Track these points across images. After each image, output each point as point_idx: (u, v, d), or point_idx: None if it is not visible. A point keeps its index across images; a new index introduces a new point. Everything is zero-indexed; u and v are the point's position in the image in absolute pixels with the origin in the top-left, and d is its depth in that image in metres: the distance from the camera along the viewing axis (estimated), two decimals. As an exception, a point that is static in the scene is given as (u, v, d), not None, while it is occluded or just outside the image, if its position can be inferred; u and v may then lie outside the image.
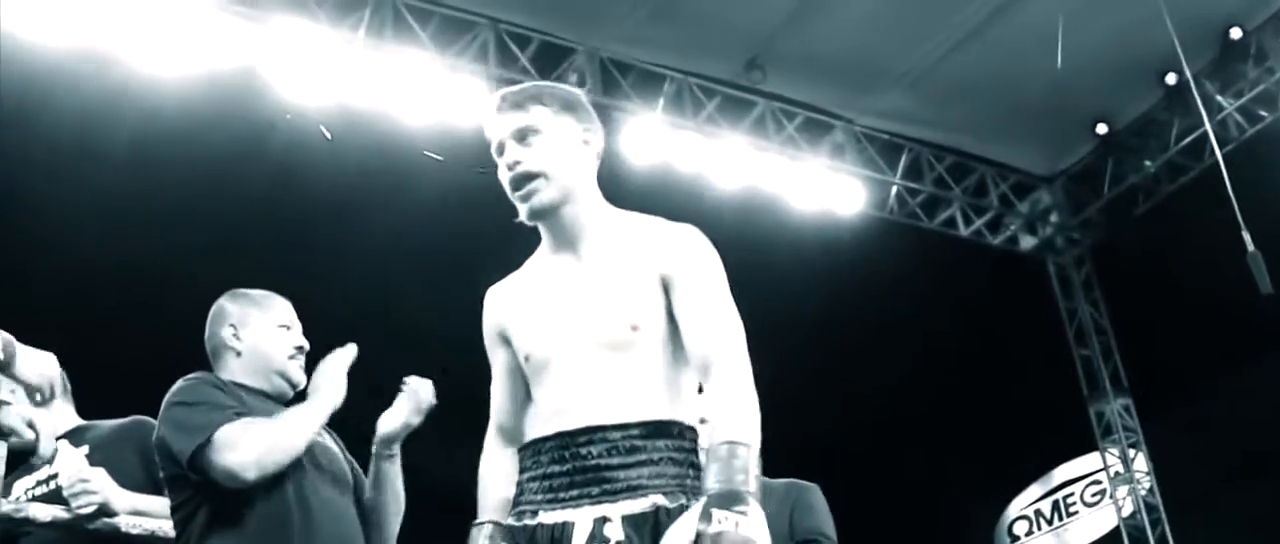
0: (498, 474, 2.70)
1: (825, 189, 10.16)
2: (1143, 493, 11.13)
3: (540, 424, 2.60)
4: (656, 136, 9.49)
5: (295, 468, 3.26)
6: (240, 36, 8.17)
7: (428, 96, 8.64)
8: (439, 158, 8.91)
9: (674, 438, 2.51)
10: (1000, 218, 11.54)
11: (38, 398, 3.01)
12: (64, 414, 3.87)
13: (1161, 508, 11.01)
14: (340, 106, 8.60)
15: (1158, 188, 10.96)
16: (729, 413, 2.44)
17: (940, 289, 11.17)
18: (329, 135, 8.68)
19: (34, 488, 3.75)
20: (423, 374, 3.60)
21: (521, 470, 2.59)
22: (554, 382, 2.59)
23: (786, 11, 9.21)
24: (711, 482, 2.32)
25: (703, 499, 2.31)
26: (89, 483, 3.55)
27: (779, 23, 9.33)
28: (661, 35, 9.40)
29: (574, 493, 2.47)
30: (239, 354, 3.53)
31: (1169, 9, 8.75)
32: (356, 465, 3.62)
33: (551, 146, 2.67)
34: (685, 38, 9.44)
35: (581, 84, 9.23)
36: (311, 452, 3.33)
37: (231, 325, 3.56)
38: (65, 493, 3.55)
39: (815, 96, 10.19)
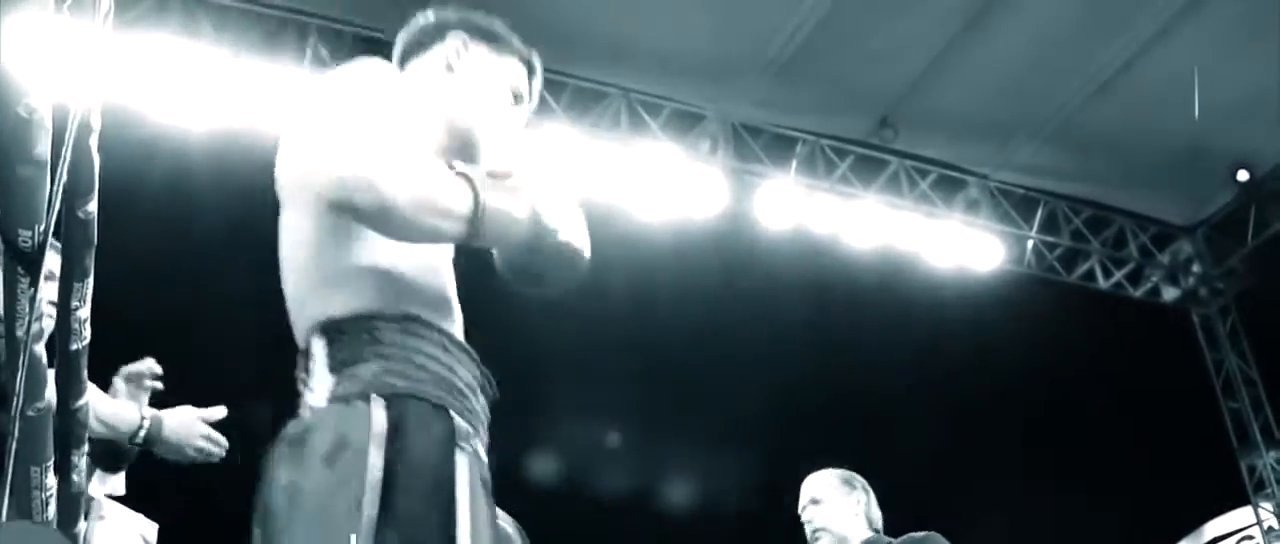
0: None
1: (961, 245, 10.09)
2: (1301, 548, 10.84)
3: (445, 317, 2.14)
4: (790, 199, 9.52)
5: None
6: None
7: (564, 167, 8.78)
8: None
9: None
10: (1141, 269, 11.36)
11: None
12: None
13: (1322, 564, 10.72)
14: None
15: (1304, 233, 10.72)
16: None
17: (1081, 343, 11.03)
18: None
19: None
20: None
21: (429, 342, 2.05)
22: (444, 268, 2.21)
23: (917, 69, 9.22)
24: None
25: None
26: None
27: (909, 81, 9.33)
28: (791, 97, 9.44)
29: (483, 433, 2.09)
30: None
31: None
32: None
33: None
34: (815, 99, 9.48)
35: (714, 150, 9.34)
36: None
37: None
38: None
39: (948, 153, 10.15)
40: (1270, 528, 11.03)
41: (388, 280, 2.04)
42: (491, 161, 2.23)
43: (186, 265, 8.88)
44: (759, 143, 9.60)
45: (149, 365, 3.52)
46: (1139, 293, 11.38)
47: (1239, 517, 12.23)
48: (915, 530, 4.26)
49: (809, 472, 4.39)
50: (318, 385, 1.99)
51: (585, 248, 2.10)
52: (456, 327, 2.14)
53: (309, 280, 2.08)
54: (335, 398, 1.95)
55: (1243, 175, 10.47)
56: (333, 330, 2.02)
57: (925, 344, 10.37)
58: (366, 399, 1.91)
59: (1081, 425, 11.56)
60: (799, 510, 4.28)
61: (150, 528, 3.38)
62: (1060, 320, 10.91)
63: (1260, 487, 11.10)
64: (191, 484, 3.24)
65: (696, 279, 9.46)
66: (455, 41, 2.34)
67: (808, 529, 4.23)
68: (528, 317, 9.90)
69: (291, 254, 2.13)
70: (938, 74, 9.23)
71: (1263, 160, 10.42)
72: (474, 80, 2.31)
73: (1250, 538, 12.04)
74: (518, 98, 2.38)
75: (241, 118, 8.13)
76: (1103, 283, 11.08)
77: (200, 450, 3.19)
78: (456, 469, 1.90)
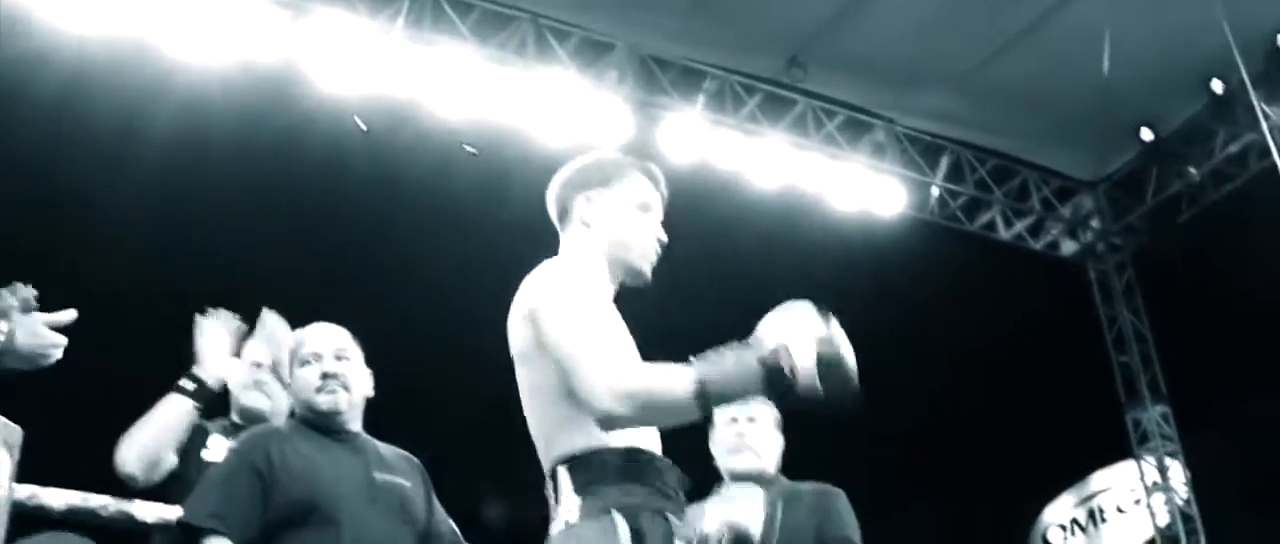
0: None
1: (865, 189, 10.08)
2: (1179, 503, 11.02)
3: (647, 440, 2.66)
4: (696, 134, 9.44)
5: (344, 501, 3.42)
6: (279, 27, 8.18)
7: (467, 89, 8.64)
8: (475, 151, 8.91)
9: None
10: (1042, 222, 11.46)
11: None
12: None
13: (1198, 518, 10.91)
14: (378, 98, 8.61)
15: (1202, 195, 10.86)
16: None
17: (979, 293, 11.10)
18: (365, 127, 8.69)
19: None
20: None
21: (647, 468, 2.62)
22: None
23: (829, 10, 9.17)
24: None
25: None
26: None
27: (821, 21, 9.28)
28: (702, 32, 9.36)
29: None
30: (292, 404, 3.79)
31: (1219, 16, 8.66)
32: (434, 507, 3.72)
33: None
34: (726, 35, 9.40)
35: (621, 80, 9.22)
36: (371, 486, 3.51)
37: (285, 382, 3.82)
38: None
39: (857, 96, 10.12)
40: (1154, 482, 11.21)
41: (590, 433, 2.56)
42: (647, 262, 2.84)
43: (76, 175, 8.65)
44: (667, 76, 9.50)
45: (24, 294, 3.40)
46: (1039, 245, 11.49)
47: (1124, 470, 12.45)
48: (799, 470, 4.29)
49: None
50: (566, 506, 2.54)
51: (846, 361, 2.54)
52: (657, 444, 2.67)
53: (552, 424, 2.62)
54: (586, 515, 2.50)
55: (1146, 135, 10.56)
56: (576, 463, 2.56)
57: (822, 288, 10.35)
58: (609, 513, 2.48)
59: (973, 375, 11.66)
60: (728, 417, 4.24)
61: (14, 433, 3.27)
62: (959, 269, 10.97)
63: (1144, 440, 11.28)
64: (52, 388, 3.12)
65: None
66: (579, 202, 2.85)
67: (734, 438, 4.22)
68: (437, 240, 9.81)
69: (534, 403, 2.68)
70: (850, 16, 9.19)
71: (1166, 121, 10.53)
72: (608, 221, 2.83)
73: (1133, 491, 12.26)
74: (646, 208, 2.87)
75: (137, 25, 7.89)
76: (1004, 233, 11.17)
77: (47, 357, 3.07)
78: None
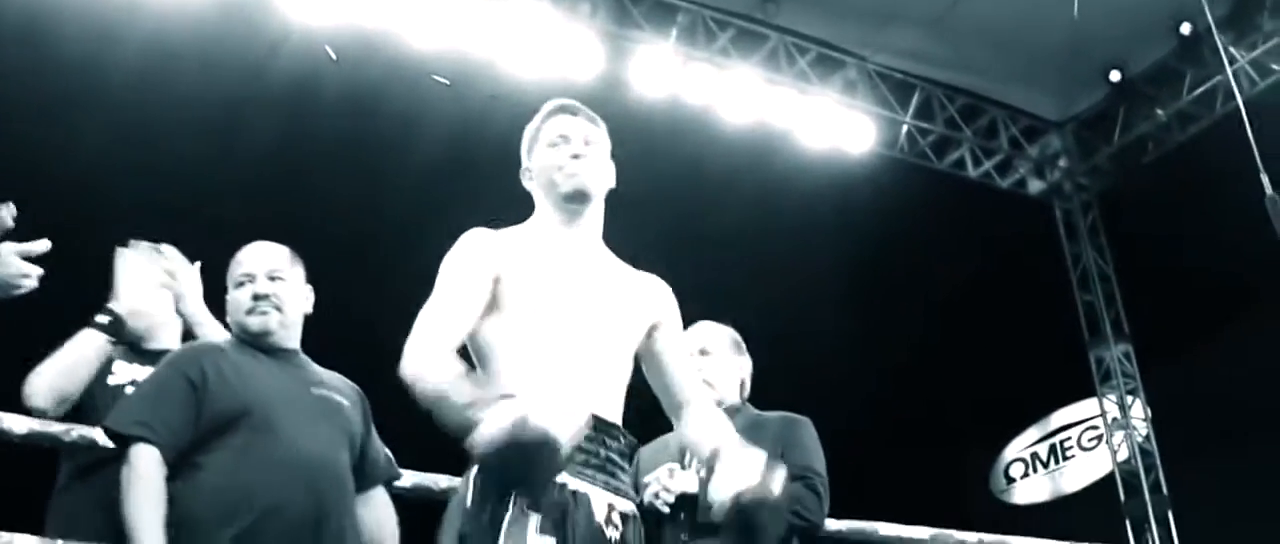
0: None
1: (835, 126, 10.11)
2: (1139, 439, 11.17)
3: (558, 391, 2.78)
4: (668, 68, 9.44)
5: (280, 410, 3.47)
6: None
7: (439, 20, 8.61)
8: (447, 82, 8.89)
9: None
10: (1009, 161, 11.51)
11: None
12: None
13: (1157, 455, 11.06)
14: (350, 28, 8.56)
15: (1168, 137, 10.95)
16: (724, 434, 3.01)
17: (947, 230, 11.16)
18: (335, 57, 8.66)
19: None
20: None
21: None
22: (576, 358, 2.85)
23: (803, -54, 9.17)
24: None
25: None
26: None
27: (795, -43, 9.28)
28: (676, -35, 9.35)
29: (590, 472, 2.76)
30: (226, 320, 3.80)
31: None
32: (372, 433, 3.76)
33: (601, 164, 3.10)
34: (700, -32, 9.39)
35: (594, 14, 9.20)
36: (308, 398, 3.57)
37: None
38: None
39: (829, 32, 10.13)
40: (1114, 419, 11.35)
41: (493, 381, 2.81)
42: (571, 180, 3.01)
43: (42, 105, 8.59)
44: (640, 9, 9.48)
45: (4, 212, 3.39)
46: (1006, 183, 11.55)
47: (1086, 407, 12.58)
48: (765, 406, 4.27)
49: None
50: None
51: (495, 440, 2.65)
52: (573, 390, 2.77)
53: None
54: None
55: (1114, 76, 10.63)
56: None
57: (791, 224, 10.39)
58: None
59: (938, 311, 11.74)
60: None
61: None
62: (927, 207, 11.01)
63: (1106, 378, 11.43)
64: (14, 315, 3.12)
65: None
66: (528, 185, 3.09)
67: None
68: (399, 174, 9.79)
69: None
70: (823, -49, 9.19)
71: (1134, 63, 10.61)
72: (539, 179, 3.06)
73: (1094, 428, 12.40)
74: (560, 140, 3.04)
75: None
76: (972, 172, 11.22)
77: (17, 286, 3.06)
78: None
